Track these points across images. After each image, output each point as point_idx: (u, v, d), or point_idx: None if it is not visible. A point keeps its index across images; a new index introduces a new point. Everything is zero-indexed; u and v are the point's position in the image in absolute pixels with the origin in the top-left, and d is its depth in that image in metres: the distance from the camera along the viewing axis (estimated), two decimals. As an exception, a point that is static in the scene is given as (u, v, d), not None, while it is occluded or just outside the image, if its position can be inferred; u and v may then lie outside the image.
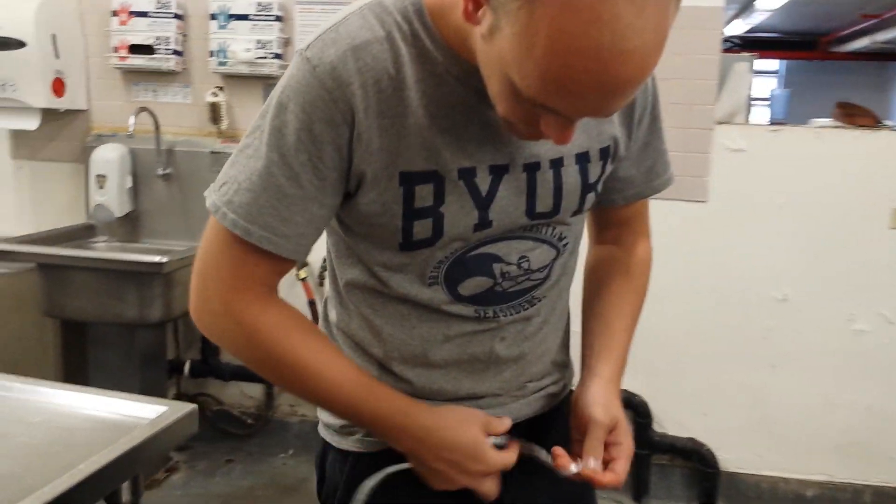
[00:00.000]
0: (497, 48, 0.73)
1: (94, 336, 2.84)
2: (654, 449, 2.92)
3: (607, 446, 0.99)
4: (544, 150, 0.95)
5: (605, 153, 1.01)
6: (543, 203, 0.97)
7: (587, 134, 0.98)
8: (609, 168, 1.04)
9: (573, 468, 0.97)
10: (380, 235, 0.95)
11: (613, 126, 1.01)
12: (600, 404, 1.01)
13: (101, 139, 3.11)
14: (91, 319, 2.74)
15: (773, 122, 3.02)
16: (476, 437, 0.97)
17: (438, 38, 0.88)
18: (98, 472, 0.96)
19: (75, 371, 3.01)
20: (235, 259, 0.92)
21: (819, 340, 2.81)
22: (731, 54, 3.03)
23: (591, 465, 0.96)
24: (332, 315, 1.09)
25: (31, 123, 3.00)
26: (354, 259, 1.01)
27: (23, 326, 2.96)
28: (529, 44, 0.68)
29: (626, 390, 2.89)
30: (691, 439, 2.91)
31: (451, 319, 1.00)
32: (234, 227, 0.89)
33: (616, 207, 1.13)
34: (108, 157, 2.99)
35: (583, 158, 0.98)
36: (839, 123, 2.86)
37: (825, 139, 2.73)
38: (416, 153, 0.89)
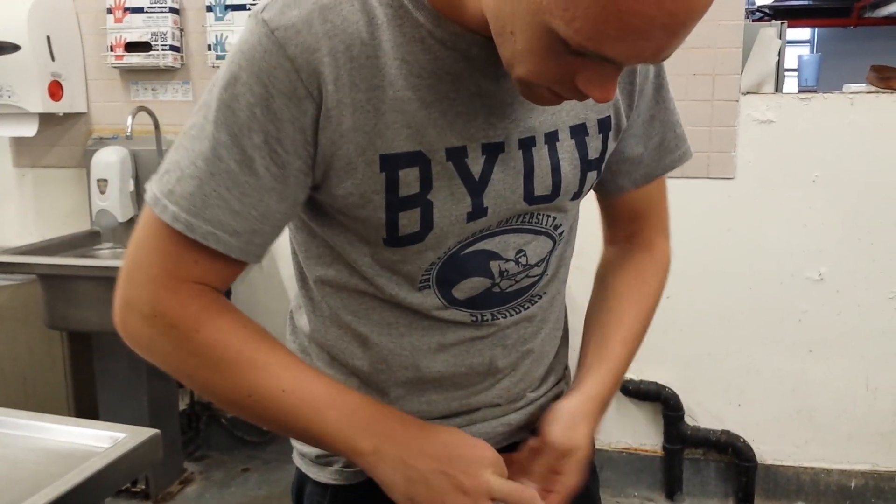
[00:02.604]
0: None
1: (100, 347, 2.76)
2: (686, 443, 2.79)
3: (553, 473, 0.89)
4: (539, 122, 0.82)
5: (604, 125, 0.89)
6: (542, 185, 0.84)
7: (583, 103, 0.85)
8: (612, 144, 0.92)
9: None
10: (361, 230, 0.82)
11: None
12: (562, 424, 0.90)
13: (103, 142, 3.04)
14: (95, 329, 2.65)
15: (802, 90, 2.84)
16: (480, 452, 0.84)
17: None
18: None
19: (85, 383, 2.94)
20: (173, 257, 0.78)
21: (859, 322, 2.64)
22: (759, 23, 2.85)
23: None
24: (303, 324, 0.96)
25: (30, 130, 2.94)
26: (330, 258, 0.87)
27: (30, 339, 2.90)
28: None
29: (655, 382, 2.76)
30: (726, 431, 2.77)
31: (445, 326, 0.88)
32: (174, 221, 0.76)
33: (626, 195, 1.00)
34: (109, 161, 2.91)
35: (580, 131, 0.86)
36: (874, 88, 2.67)
37: (860, 106, 2.55)
38: (397, 132, 0.76)
